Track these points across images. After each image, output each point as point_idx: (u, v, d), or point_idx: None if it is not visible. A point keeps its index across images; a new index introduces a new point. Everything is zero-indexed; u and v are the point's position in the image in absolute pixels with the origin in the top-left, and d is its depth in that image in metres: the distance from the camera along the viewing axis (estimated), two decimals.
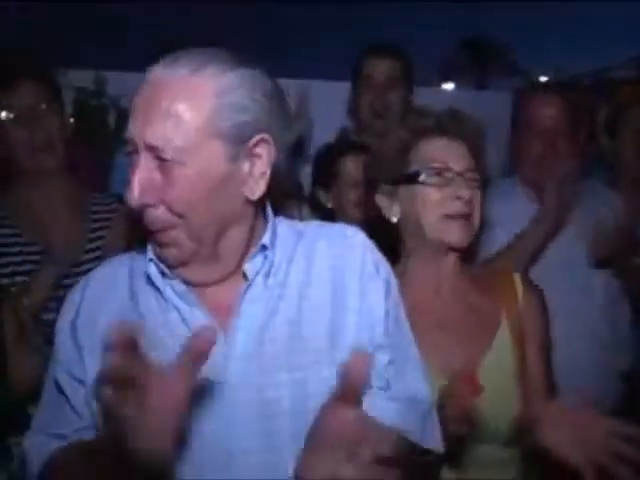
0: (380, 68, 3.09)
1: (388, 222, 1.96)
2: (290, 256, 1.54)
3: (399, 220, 1.96)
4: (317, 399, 1.30)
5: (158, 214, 1.42)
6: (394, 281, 1.60)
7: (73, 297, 1.57)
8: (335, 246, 1.56)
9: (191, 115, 1.38)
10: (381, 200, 1.97)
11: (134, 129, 1.39)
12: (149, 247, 1.51)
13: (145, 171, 1.40)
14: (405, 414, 1.52)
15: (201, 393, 1.41)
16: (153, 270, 1.50)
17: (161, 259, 1.48)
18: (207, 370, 1.34)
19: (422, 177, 1.90)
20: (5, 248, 2.26)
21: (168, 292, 1.49)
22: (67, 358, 1.52)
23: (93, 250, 2.36)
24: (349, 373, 1.20)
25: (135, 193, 1.40)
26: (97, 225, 2.40)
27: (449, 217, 1.90)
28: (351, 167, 2.72)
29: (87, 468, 1.39)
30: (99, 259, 2.25)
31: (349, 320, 1.50)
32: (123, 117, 3.59)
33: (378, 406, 1.45)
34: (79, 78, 3.56)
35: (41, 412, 1.57)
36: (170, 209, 1.41)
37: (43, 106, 2.31)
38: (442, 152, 1.92)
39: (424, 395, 1.58)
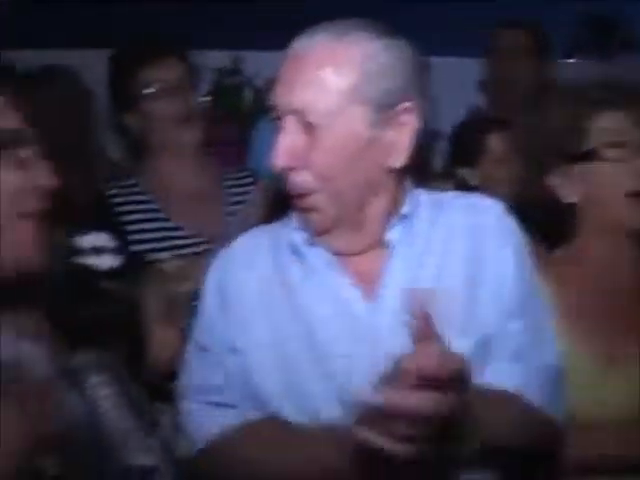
0: (511, 40, 3.00)
1: (557, 202, 1.85)
2: (429, 226, 1.53)
3: (576, 200, 1.84)
4: None
5: (301, 178, 1.44)
6: (528, 251, 1.57)
7: (216, 266, 1.60)
8: (472, 216, 1.55)
9: (336, 80, 1.39)
10: (554, 180, 1.85)
11: (279, 95, 1.43)
12: (293, 217, 1.55)
13: (289, 135, 1.43)
14: (533, 380, 1.50)
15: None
16: (298, 238, 1.53)
17: (305, 227, 1.51)
18: (353, 341, 1.39)
19: (601, 153, 1.78)
20: (145, 224, 2.29)
21: (313, 260, 1.52)
22: (217, 326, 1.55)
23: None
24: (414, 314, 1.21)
25: (279, 157, 1.43)
26: (232, 200, 2.42)
27: (632, 195, 1.78)
28: (496, 144, 2.69)
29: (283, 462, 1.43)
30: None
31: (483, 289, 1.49)
32: (258, 96, 3.65)
33: (503, 370, 1.45)
34: (217, 58, 3.63)
35: (189, 378, 1.60)
36: (312, 173, 1.43)
37: (186, 82, 2.35)
38: (619, 125, 1.79)
39: (555, 364, 1.56)
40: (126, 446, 1.37)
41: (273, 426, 1.49)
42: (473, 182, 2.76)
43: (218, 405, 1.54)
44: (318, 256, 1.52)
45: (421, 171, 2.02)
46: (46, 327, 1.39)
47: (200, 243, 2.26)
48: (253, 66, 3.65)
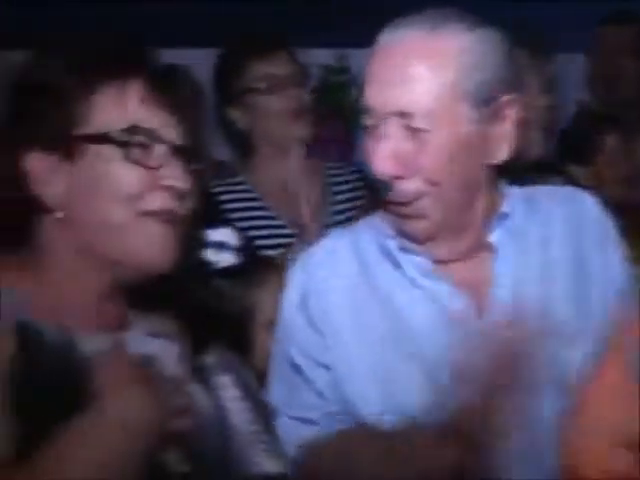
0: (616, 37, 2.90)
1: None
2: (527, 223, 1.48)
3: None
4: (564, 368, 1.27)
5: (410, 185, 1.37)
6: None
7: (297, 275, 1.54)
8: (569, 210, 1.49)
9: (435, 76, 1.34)
10: None
11: (375, 97, 1.36)
12: (382, 221, 1.48)
13: (392, 140, 1.35)
14: None
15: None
16: (392, 245, 1.46)
17: (403, 234, 1.44)
18: (462, 349, 1.34)
19: None
20: (252, 222, 2.31)
21: (411, 268, 1.45)
22: (304, 340, 1.50)
23: (336, 225, 2.34)
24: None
25: (384, 164, 1.36)
26: (337, 198, 2.43)
27: None
28: (612, 143, 2.61)
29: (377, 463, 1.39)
30: None
31: (592, 285, 1.44)
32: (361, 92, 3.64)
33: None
34: (323, 56, 3.65)
35: (277, 392, 1.55)
36: (425, 178, 1.36)
37: (295, 78, 2.37)
38: None
39: None
40: (251, 451, 1.35)
41: (367, 433, 1.45)
42: (583, 180, 2.68)
43: (307, 421, 1.49)
44: (417, 264, 1.45)
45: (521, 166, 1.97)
46: (176, 325, 1.38)
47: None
48: (359, 64, 3.64)
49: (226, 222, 2.22)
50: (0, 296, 1.16)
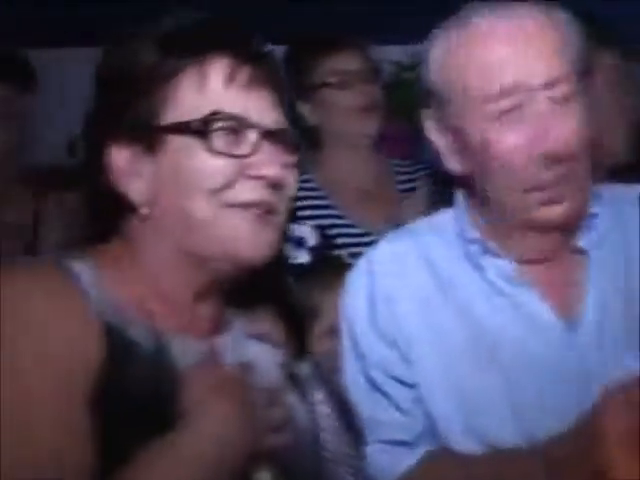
0: None
1: None
2: (613, 225, 1.41)
3: None
4: None
5: (575, 164, 1.30)
6: None
7: (360, 283, 1.47)
8: None
9: (561, 47, 1.30)
10: None
11: (518, 73, 1.28)
12: (457, 221, 1.42)
13: (566, 117, 1.28)
14: None
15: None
16: (474, 248, 1.39)
17: (530, 224, 1.34)
18: (549, 368, 1.29)
19: None
20: (319, 220, 2.30)
21: (493, 273, 1.38)
22: (379, 356, 1.42)
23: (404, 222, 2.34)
24: None
25: (564, 142, 1.28)
26: (403, 195, 2.41)
27: None
28: None
29: None
30: None
31: None
32: None
33: None
34: (395, 52, 3.63)
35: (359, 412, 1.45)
36: (579, 156, 1.29)
37: (366, 74, 2.36)
38: None
39: None
40: (342, 472, 1.29)
41: (457, 460, 1.38)
42: None
43: (399, 444, 1.42)
44: (500, 267, 1.37)
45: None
46: (276, 327, 1.31)
47: (373, 242, 2.24)
48: None
49: (294, 220, 2.24)
50: (88, 295, 1.09)
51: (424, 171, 2.44)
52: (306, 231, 1.97)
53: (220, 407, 1.08)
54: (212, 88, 1.14)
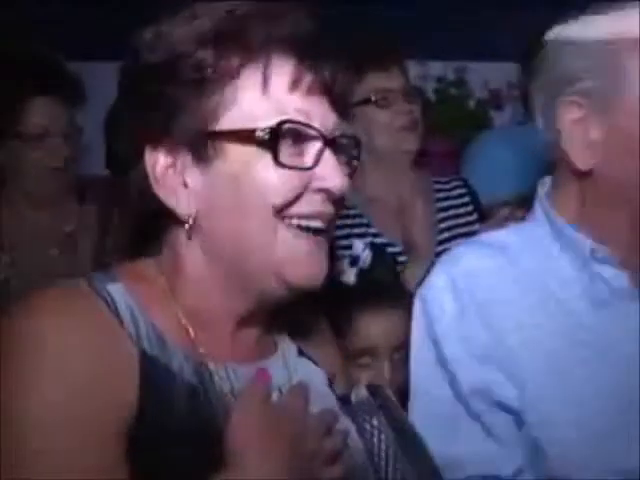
0: None
1: None
2: None
3: None
4: None
5: None
6: None
7: (446, 302, 1.32)
8: None
9: None
10: None
11: None
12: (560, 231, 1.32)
13: None
14: None
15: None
16: (585, 259, 1.30)
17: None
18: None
19: None
20: (356, 238, 2.19)
21: (613, 282, 1.29)
22: (479, 380, 1.28)
23: (442, 241, 2.31)
24: None
25: None
26: (444, 214, 2.37)
27: None
28: None
29: None
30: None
31: None
32: (481, 105, 3.61)
33: None
34: (440, 68, 3.63)
35: (442, 444, 1.27)
36: None
37: (405, 92, 2.34)
38: None
39: None
40: None
41: None
42: None
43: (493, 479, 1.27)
44: (612, 276, 1.28)
45: None
46: (327, 348, 1.23)
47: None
48: (476, 77, 3.60)
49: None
50: (124, 322, 1.00)
51: (463, 189, 2.42)
52: (360, 250, 1.92)
53: (270, 445, 0.94)
54: (276, 92, 1.01)
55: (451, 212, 2.37)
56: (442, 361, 1.30)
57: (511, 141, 2.60)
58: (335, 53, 1.05)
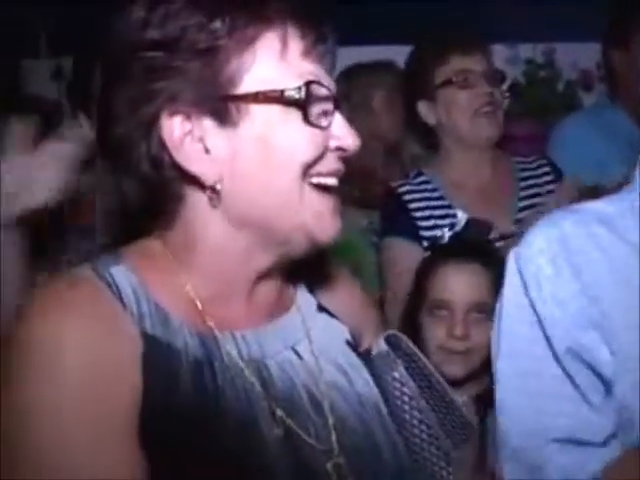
0: None
1: None
2: None
3: None
4: None
5: None
6: None
7: (538, 258, 1.30)
8: None
9: None
10: None
11: None
12: None
13: None
14: None
15: None
16: None
17: None
18: None
19: None
20: (438, 220, 2.30)
21: None
22: (572, 338, 1.26)
23: (521, 220, 2.31)
24: None
25: None
26: (526, 193, 2.38)
27: None
28: None
29: None
30: None
31: None
32: (570, 88, 3.57)
33: None
34: (529, 50, 3.61)
35: (529, 405, 1.29)
36: None
37: (489, 75, 2.35)
38: None
39: None
40: (426, 453, 1.15)
41: None
42: None
43: (572, 443, 1.26)
44: None
45: None
46: (342, 301, 1.23)
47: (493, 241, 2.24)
48: (564, 58, 3.57)
49: (413, 221, 2.30)
50: (128, 307, 1.01)
51: (547, 168, 2.43)
52: (461, 219, 2.07)
53: None
54: (292, 58, 1.03)
55: (534, 190, 2.38)
56: (536, 320, 1.29)
57: (598, 122, 2.59)
58: (334, 25, 1.08)
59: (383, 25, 3.30)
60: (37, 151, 1.62)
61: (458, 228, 2.17)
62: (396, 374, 1.15)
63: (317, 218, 1.04)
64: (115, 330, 0.98)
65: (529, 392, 1.29)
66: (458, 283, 1.96)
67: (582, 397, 1.25)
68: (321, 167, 1.03)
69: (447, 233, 2.18)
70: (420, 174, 2.42)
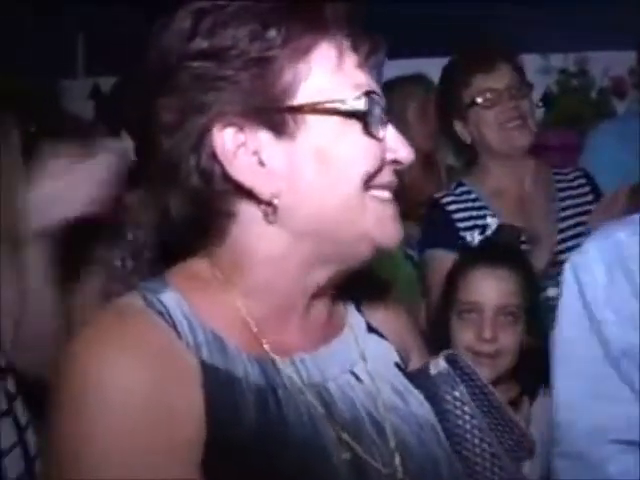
0: None
1: None
2: None
3: None
4: None
5: None
6: None
7: (593, 265, 1.36)
8: None
9: None
10: None
11: None
12: None
13: None
14: None
15: None
16: None
17: None
18: None
19: None
20: (481, 229, 2.32)
21: None
22: (627, 341, 1.29)
23: (563, 230, 2.34)
24: None
25: None
26: (565, 204, 2.39)
27: None
28: None
29: None
30: (573, 238, 2.27)
31: None
32: (603, 96, 3.56)
33: None
34: (561, 60, 3.61)
35: (586, 407, 1.32)
36: None
37: (516, 88, 2.37)
38: None
39: None
40: (487, 473, 1.13)
41: None
42: None
43: (631, 444, 1.28)
44: None
45: None
46: (390, 322, 1.20)
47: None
48: (598, 67, 3.57)
49: (456, 231, 2.32)
50: (181, 335, 0.96)
51: (582, 180, 2.44)
52: (492, 223, 2.13)
53: None
54: (348, 68, 1.00)
55: (571, 202, 2.39)
56: (593, 324, 1.33)
57: (629, 130, 2.59)
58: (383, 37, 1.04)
59: (415, 38, 3.33)
60: (72, 166, 1.68)
61: (489, 232, 2.23)
62: (457, 393, 1.14)
63: (380, 225, 1.00)
64: (173, 363, 0.94)
65: (587, 395, 1.31)
66: (487, 286, 1.98)
67: (639, 398, 1.26)
68: (379, 180, 1.00)
69: (477, 237, 2.21)
70: (461, 184, 2.45)
